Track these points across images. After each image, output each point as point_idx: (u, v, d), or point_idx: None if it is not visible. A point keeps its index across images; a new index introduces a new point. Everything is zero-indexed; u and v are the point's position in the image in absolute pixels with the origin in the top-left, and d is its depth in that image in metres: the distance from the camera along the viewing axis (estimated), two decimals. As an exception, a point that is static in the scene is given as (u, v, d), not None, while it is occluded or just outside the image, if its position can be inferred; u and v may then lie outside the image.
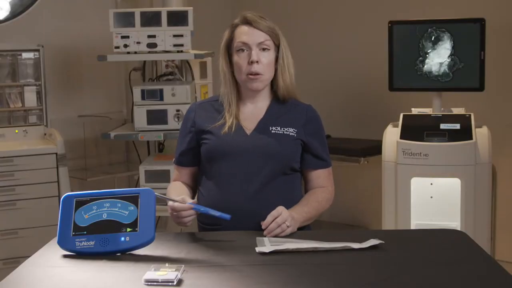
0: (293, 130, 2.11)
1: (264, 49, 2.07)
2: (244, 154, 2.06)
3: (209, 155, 2.10)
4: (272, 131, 2.09)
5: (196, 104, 2.24)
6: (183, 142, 2.18)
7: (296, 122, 2.13)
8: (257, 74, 2.07)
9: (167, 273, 1.54)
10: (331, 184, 2.19)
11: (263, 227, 1.90)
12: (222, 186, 2.06)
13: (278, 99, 2.16)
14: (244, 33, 2.07)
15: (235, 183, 2.04)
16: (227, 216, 1.90)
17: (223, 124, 2.10)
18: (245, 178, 2.04)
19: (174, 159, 2.23)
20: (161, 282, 1.52)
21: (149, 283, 1.52)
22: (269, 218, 1.91)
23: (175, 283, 1.52)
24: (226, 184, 2.06)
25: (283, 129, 2.10)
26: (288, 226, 1.91)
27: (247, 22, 2.08)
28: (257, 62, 2.05)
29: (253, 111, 2.15)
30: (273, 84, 2.16)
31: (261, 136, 2.09)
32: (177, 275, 1.54)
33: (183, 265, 1.60)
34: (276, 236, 1.89)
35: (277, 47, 2.11)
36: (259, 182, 2.04)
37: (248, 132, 2.10)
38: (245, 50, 2.07)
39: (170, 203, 1.93)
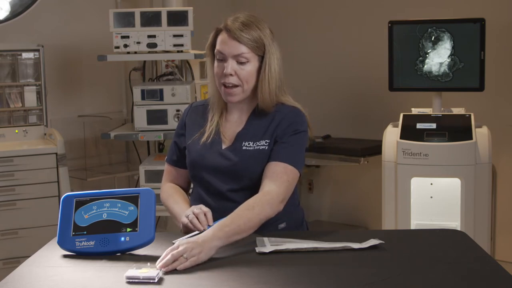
0: (265, 142, 2.01)
1: (241, 62, 1.98)
2: (214, 170, 2.02)
3: (188, 166, 2.10)
4: (244, 148, 2.02)
5: (191, 106, 2.21)
6: (177, 141, 2.17)
7: (271, 132, 2.02)
8: (232, 86, 1.99)
9: (148, 270, 1.55)
10: (280, 185, 1.94)
11: (157, 262, 1.65)
12: (199, 199, 2.06)
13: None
14: (223, 42, 1.99)
15: (205, 196, 2.04)
16: None
17: (203, 132, 2.08)
18: (216, 192, 2.02)
19: (166, 157, 2.21)
20: (142, 279, 1.53)
21: (131, 280, 1.53)
22: (164, 253, 1.67)
23: (156, 281, 1.53)
24: (202, 197, 2.05)
25: (255, 144, 2.01)
26: (186, 258, 1.65)
27: (227, 29, 1.99)
28: (231, 74, 1.98)
29: (236, 120, 2.08)
30: None
31: (232, 153, 2.02)
32: (158, 273, 1.55)
33: None
34: (174, 268, 1.65)
35: (262, 57, 2.01)
36: (227, 196, 2.01)
37: (224, 145, 2.05)
38: (222, 60, 2.00)
39: (184, 221, 1.91)
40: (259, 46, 1.99)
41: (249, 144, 2.02)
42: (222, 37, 2.01)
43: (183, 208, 2.02)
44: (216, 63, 2.03)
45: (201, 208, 1.90)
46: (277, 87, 2.03)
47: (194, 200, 2.09)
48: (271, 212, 1.91)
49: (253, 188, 1.99)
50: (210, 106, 2.12)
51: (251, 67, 1.99)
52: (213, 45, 2.05)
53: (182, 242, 1.69)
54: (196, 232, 1.85)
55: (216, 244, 1.73)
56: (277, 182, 1.94)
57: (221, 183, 2.02)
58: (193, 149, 2.08)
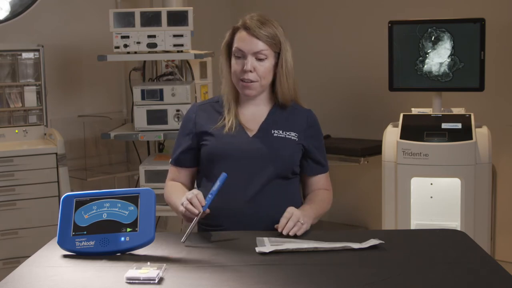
0: (295, 135, 2.10)
1: (260, 59, 2.05)
2: (246, 156, 2.05)
3: (211, 156, 2.08)
4: (275, 134, 2.09)
5: (196, 105, 2.23)
6: (183, 142, 2.16)
7: (297, 127, 2.12)
8: (250, 81, 2.05)
9: (148, 271, 1.56)
10: (330, 188, 2.21)
11: (279, 229, 1.90)
12: (223, 188, 2.05)
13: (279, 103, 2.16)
14: (242, 40, 2.05)
15: (235, 184, 2.03)
16: (223, 176, 1.92)
17: (224, 125, 2.09)
18: (246, 180, 2.03)
19: (170, 159, 2.22)
20: (143, 280, 1.53)
21: (131, 281, 1.53)
22: (283, 220, 1.91)
23: (156, 281, 1.53)
24: (227, 185, 2.05)
25: (285, 133, 2.10)
26: (302, 223, 1.91)
27: (246, 27, 2.05)
28: (250, 71, 2.04)
29: (254, 113, 2.13)
30: (274, 88, 2.13)
31: (263, 139, 2.08)
32: (158, 273, 1.55)
33: (164, 264, 1.62)
34: (294, 234, 1.89)
35: (277, 53, 2.08)
36: (259, 184, 2.03)
37: (250, 134, 2.09)
38: (241, 57, 2.05)
39: (181, 210, 1.92)
40: (276, 43, 2.07)
41: (279, 132, 2.10)
42: (240, 35, 2.06)
43: None
44: (234, 60, 2.08)
45: (192, 192, 1.92)
46: (294, 82, 2.13)
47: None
48: (328, 209, 2.18)
49: (280, 178, 2.06)
50: (225, 102, 2.14)
51: (269, 63, 2.07)
52: (229, 43, 2.10)
53: (291, 210, 1.93)
54: (196, 218, 1.87)
55: (311, 221, 1.99)
56: (329, 186, 2.20)
57: (254, 168, 2.04)
58: (217, 137, 2.08)
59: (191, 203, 1.89)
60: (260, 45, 2.04)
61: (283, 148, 2.08)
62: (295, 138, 2.10)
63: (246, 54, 2.04)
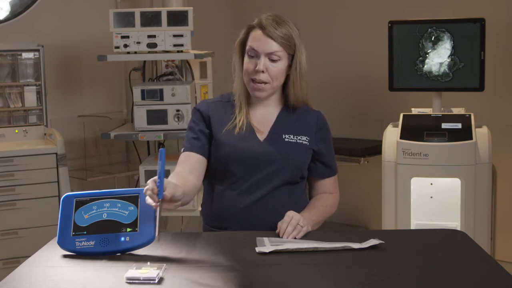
0: (306, 139, 2.09)
1: (273, 60, 2.02)
2: (256, 161, 2.03)
3: (220, 158, 2.05)
4: (286, 139, 2.07)
5: (208, 101, 2.19)
6: (197, 129, 2.09)
7: (308, 130, 2.11)
8: (261, 82, 2.03)
9: (148, 271, 1.56)
10: (336, 191, 2.20)
11: (280, 234, 1.88)
12: (232, 190, 2.04)
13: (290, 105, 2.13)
14: (256, 39, 2.02)
15: (243, 188, 2.03)
16: (162, 152, 1.77)
17: (235, 125, 2.07)
18: (254, 184, 2.02)
19: (183, 148, 2.11)
20: (143, 280, 1.53)
21: (131, 281, 1.53)
22: (283, 224, 1.89)
23: (156, 281, 1.53)
24: (237, 188, 2.04)
25: (296, 137, 2.08)
26: (302, 226, 1.89)
27: (261, 27, 2.02)
28: (262, 71, 2.01)
29: (264, 115, 2.11)
30: (285, 89, 2.11)
31: (274, 144, 2.06)
32: (158, 273, 1.55)
33: (164, 264, 1.62)
34: (294, 237, 1.87)
35: (291, 55, 2.05)
36: (267, 188, 2.02)
37: (261, 137, 2.07)
38: (254, 56, 2.02)
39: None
40: (290, 45, 2.03)
41: (289, 136, 2.07)
42: (255, 34, 2.03)
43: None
44: (247, 59, 2.05)
45: (147, 183, 1.75)
46: (306, 84, 2.10)
47: (218, 199, 2.07)
48: (333, 213, 2.17)
49: (288, 183, 2.05)
50: (237, 100, 2.12)
51: (282, 65, 2.04)
52: (243, 41, 2.08)
53: (290, 214, 1.90)
54: (158, 208, 1.71)
55: (310, 226, 1.95)
56: (335, 189, 2.20)
57: (265, 172, 2.02)
58: (228, 139, 2.05)
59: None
60: (274, 46, 2.01)
61: (294, 153, 2.06)
62: (306, 143, 2.08)
63: (260, 54, 2.01)
